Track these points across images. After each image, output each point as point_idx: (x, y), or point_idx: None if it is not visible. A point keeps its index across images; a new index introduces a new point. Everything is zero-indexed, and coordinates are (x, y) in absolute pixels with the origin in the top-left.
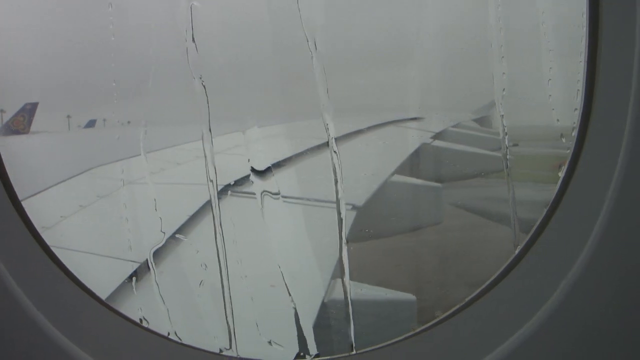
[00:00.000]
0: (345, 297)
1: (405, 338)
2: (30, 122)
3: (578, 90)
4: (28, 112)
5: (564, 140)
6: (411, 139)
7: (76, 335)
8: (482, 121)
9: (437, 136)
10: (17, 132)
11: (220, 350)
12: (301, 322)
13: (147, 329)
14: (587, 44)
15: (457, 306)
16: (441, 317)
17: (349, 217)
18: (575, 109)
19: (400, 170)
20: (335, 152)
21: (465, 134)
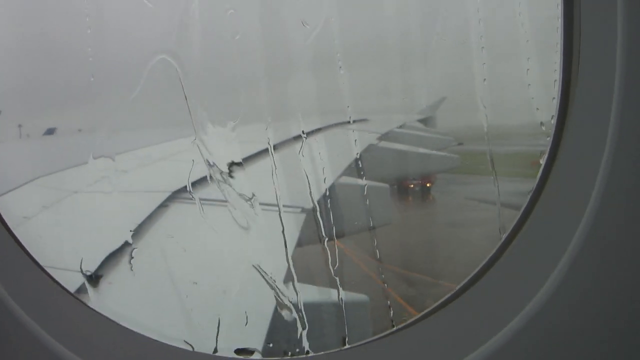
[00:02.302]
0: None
1: (386, 335)
2: None
3: (555, 80)
4: None
5: (543, 128)
6: (358, 141)
7: (57, 332)
8: (427, 122)
9: (384, 137)
10: None
11: (215, 351)
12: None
13: (126, 328)
14: (562, 30)
15: (438, 302)
16: (423, 313)
17: (299, 220)
18: (554, 98)
19: (348, 172)
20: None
21: (410, 135)
